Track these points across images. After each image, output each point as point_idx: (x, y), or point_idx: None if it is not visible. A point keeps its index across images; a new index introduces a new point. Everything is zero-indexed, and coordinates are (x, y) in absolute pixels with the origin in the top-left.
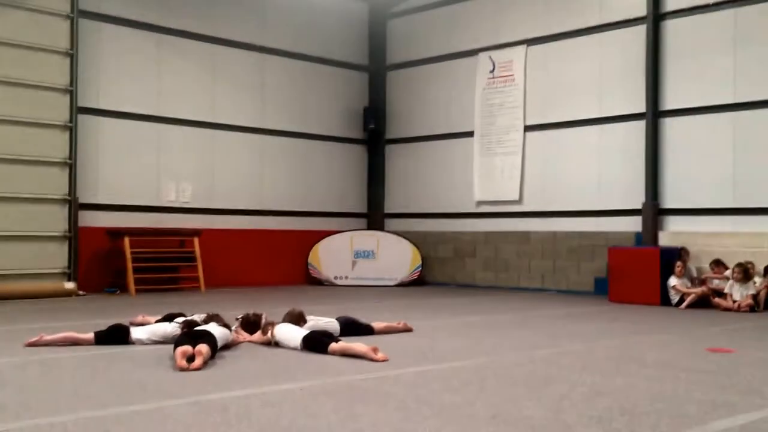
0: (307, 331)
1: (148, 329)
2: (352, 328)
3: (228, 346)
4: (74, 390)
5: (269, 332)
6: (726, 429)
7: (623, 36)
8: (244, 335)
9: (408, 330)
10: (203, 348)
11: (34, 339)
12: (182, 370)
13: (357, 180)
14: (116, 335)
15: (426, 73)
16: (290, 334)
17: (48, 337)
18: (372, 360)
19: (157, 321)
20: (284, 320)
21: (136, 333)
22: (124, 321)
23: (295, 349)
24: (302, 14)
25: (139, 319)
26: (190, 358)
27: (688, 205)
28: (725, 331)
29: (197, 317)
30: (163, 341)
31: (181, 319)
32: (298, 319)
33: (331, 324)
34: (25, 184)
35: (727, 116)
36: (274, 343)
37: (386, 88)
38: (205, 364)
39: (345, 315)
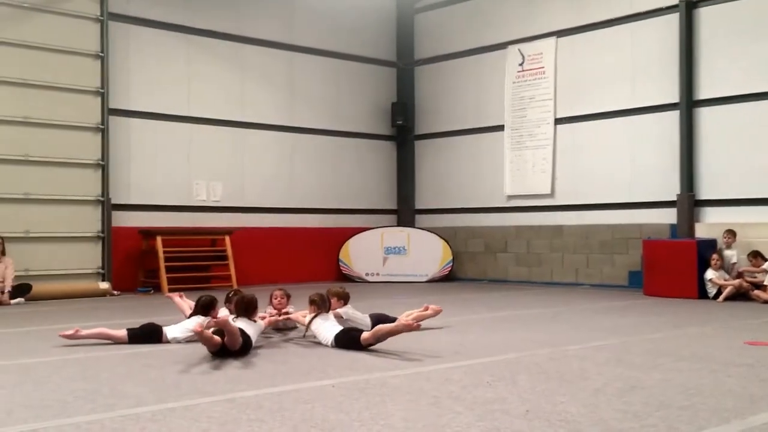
0: (339, 329)
1: (182, 326)
2: (383, 323)
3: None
4: (111, 388)
5: (309, 316)
6: (765, 423)
7: (655, 25)
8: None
9: (438, 312)
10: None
11: (69, 332)
12: (197, 331)
13: (386, 176)
14: (149, 336)
15: (454, 68)
16: (324, 329)
17: (83, 332)
18: (406, 329)
19: (192, 313)
20: (311, 300)
21: (170, 332)
22: (158, 320)
23: (325, 345)
24: (330, 11)
25: (177, 298)
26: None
27: (724, 195)
28: (764, 324)
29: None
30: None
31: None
32: (341, 297)
33: (364, 319)
34: (58, 186)
35: (766, 104)
36: (306, 331)
37: (414, 84)
38: (232, 334)
39: (376, 311)
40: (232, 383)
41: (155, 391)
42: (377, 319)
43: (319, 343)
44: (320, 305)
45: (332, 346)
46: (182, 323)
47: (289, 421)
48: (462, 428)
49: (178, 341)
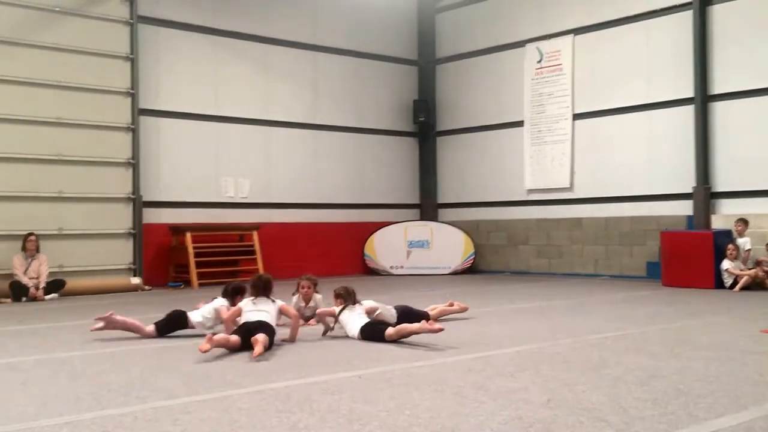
0: (366, 321)
1: (201, 310)
2: (408, 315)
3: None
4: (143, 381)
5: (338, 309)
6: None
7: (670, 22)
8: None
9: (464, 309)
10: (260, 336)
11: (105, 315)
12: (202, 351)
13: (409, 172)
14: (176, 321)
15: (474, 66)
16: (351, 321)
17: (117, 317)
18: (428, 332)
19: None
20: (337, 294)
21: (193, 317)
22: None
23: (352, 337)
24: (352, 12)
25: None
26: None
27: (739, 187)
28: None
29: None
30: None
31: (222, 302)
32: (350, 295)
33: (389, 311)
34: (91, 184)
35: None
36: (335, 321)
37: (436, 81)
38: (265, 349)
39: (402, 303)
40: (260, 375)
41: (186, 384)
42: (402, 311)
43: (345, 336)
44: (346, 298)
45: (358, 338)
46: (205, 307)
47: (317, 411)
48: (485, 417)
49: (203, 326)
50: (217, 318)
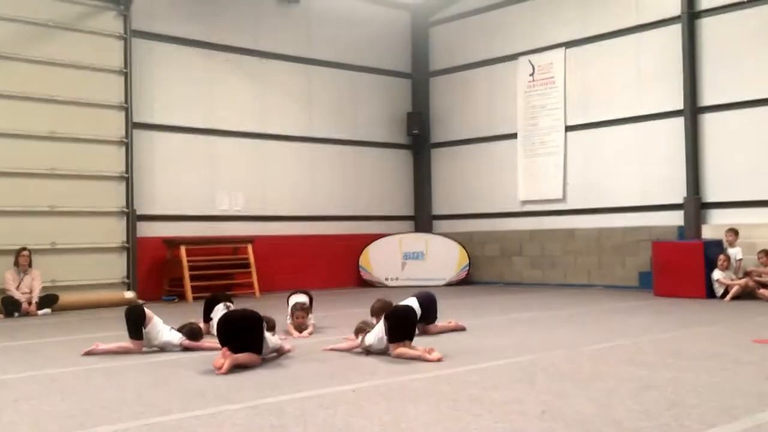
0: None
1: (162, 328)
2: (426, 310)
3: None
4: (136, 397)
5: (360, 338)
6: None
7: (660, 35)
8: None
9: (460, 328)
10: (240, 356)
11: (89, 349)
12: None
13: (404, 184)
14: (137, 320)
15: (468, 78)
16: (374, 333)
17: (102, 347)
18: (426, 360)
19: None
20: (374, 310)
21: (153, 322)
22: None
23: (380, 339)
24: (346, 26)
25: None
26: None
27: (730, 198)
28: None
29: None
30: (161, 348)
31: (180, 339)
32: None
33: (411, 300)
34: (85, 198)
35: (766, 110)
36: (365, 350)
37: (429, 94)
38: (228, 369)
39: (424, 291)
40: (255, 390)
41: (181, 399)
42: (425, 299)
43: (339, 350)
44: (366, 331)
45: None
46: (164, 331)
47: (312, 426)
48: (481, 430)
49: (149, 339)
50: (176, 347)
